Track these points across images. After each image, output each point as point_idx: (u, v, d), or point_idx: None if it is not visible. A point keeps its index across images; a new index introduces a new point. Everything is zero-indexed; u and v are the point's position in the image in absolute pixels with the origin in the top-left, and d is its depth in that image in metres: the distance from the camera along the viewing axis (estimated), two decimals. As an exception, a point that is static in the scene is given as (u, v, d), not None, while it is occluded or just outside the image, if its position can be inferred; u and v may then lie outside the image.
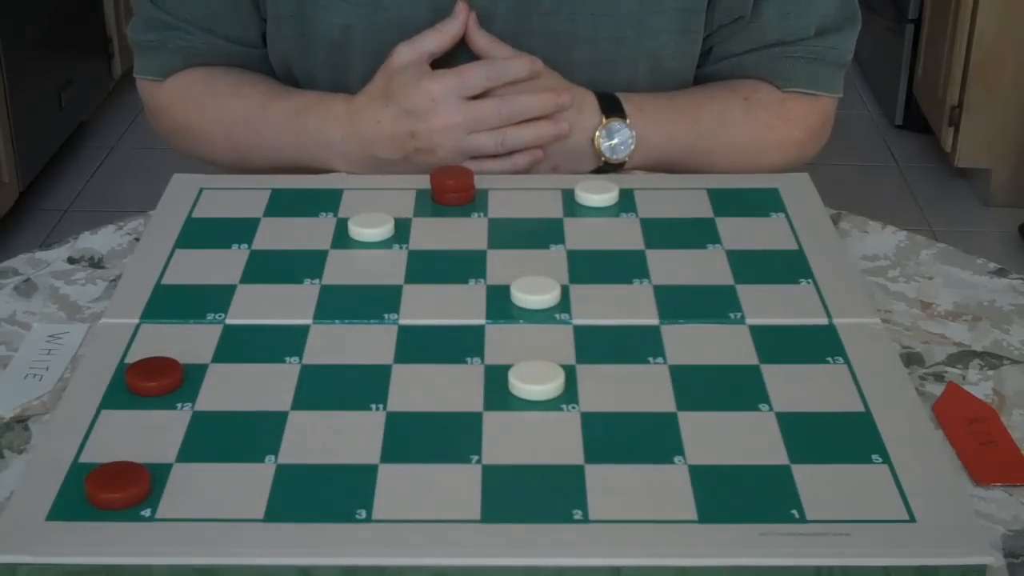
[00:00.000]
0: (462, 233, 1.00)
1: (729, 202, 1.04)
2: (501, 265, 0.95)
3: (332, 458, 0.75)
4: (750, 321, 0.88)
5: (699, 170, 1.15)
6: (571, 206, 1.03)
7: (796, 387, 0.81)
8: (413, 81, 1.07)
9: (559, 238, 0.99)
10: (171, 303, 0.91)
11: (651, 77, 1.16)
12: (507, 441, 0.76)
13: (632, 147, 1.12)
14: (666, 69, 1.17)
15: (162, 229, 1.00)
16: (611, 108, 1.12)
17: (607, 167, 1.12)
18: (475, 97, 1.08)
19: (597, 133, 1.11)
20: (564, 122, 1.09)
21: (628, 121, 1.12)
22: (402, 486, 0.73)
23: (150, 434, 0.77)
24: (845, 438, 0.77)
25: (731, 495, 0.72)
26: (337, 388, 0.81)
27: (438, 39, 1.10)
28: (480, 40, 1.11)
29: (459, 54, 1.11)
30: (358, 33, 1.14)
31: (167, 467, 0.74)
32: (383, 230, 0.99)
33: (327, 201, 1.04)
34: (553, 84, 1.10)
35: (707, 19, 1.16)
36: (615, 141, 1.11)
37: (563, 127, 1.09)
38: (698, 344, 0.86)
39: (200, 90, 1.19)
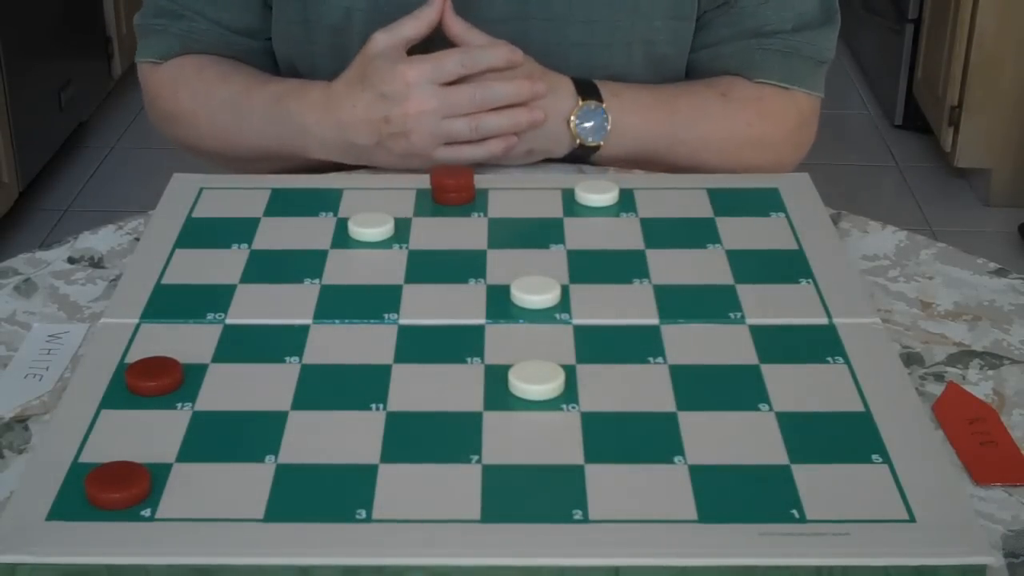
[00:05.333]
0: (462, 233, 1.00)
1: (729, 202, 1.04)
2: (501, 265, 0.95)
3: (332, 458, 0.75)
4: (750, 321, 0.88)
5: (679, 165, 1.15)
6: (571, 206, 1.03)
7: (796, 387, 0.81)
8: (389, 66, 1.08)
9: (559, 238, 0.99)
10: (171, 303, 0.91)
11: (646, 63, 1.17)
12: (507, 441, 0.76)
13: (607, 130, 1.12)
14: (660, 55, 1.18)
15: (162, 229, 1.00)
16: (587, 92, 1.12)
17: (582, 150, 1.12)
18: (452, 83, 1.08)
19: (572, 116, 1.11)
20: (539, 110, 1.09)
21: (604, 105, 1.12)
22: (402, 486, 0.73)
23: (150, 434, 0.77)
24: (845, 438, 0.77)
25: (731, 495, 0.72)
26: (337, 388, 0.81)
27: (414, 26, 1.10)
28: (455, 27, 1.11)
29: (439, 41, 1.11)
30: (360, 17, 1.15)
31: (167, 467, 0.74)
32: (383, 230, 0.99)
33: (327, 201, 1.04)
34: (529, 71, 1.11)
35: (697, 2, 1.17)
36: (590, 124, 1.12)
37: (538, 115, 1.09)
38: (698, 344, 0.86)
39: (191, 74, 1.20)
